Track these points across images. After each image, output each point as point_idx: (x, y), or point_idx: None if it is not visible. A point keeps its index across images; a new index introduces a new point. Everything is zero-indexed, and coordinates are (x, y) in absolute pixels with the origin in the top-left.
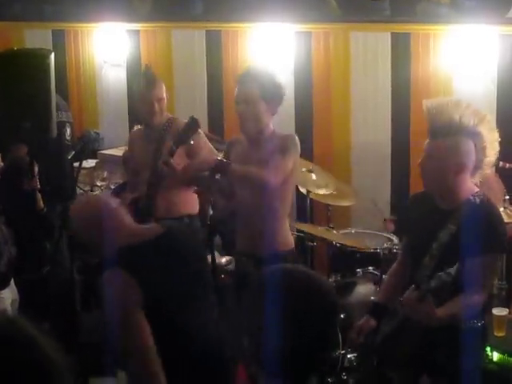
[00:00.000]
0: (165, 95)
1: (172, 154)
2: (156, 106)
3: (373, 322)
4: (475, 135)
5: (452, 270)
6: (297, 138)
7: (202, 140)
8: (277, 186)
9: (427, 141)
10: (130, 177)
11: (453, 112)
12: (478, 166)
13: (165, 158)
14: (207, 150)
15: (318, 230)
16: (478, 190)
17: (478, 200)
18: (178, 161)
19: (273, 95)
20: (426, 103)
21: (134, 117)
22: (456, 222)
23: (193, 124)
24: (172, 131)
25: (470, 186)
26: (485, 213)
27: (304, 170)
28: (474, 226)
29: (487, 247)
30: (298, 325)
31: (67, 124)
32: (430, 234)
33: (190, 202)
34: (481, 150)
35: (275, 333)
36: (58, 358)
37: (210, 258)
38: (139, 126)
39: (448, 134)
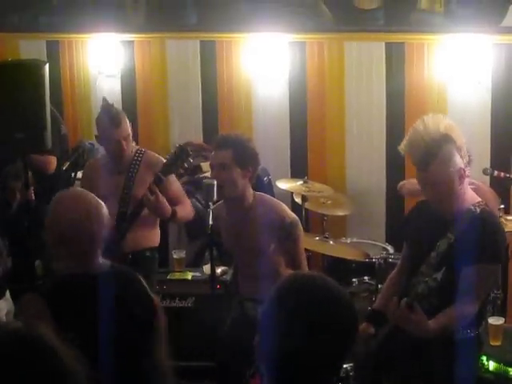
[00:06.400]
0: (130, 130)
1: (159, 183)
2: (123, 143)
3: (371, 329)
4: (449, 140)
5: (438, 276)
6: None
7: (171, 178)
8: None
9: (417, 172)
10: None
11: (423, 138)
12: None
13: (151, 186)
14: (176, 186)
15: (313, 242)
16: (480, 200)
17: (478, 210)
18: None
19: (248, 161)
20: (400, 148)
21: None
22: (455, 232)
23: (181, 153)
24: (144, 162)
25: (472, 195)
26: (484, 223)
27: (300, 182)
28: (473, 236)
29: (484, 257)
30: (315, 334)
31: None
32: (430, 243)
33: (153, 236)
34: (459, 152)
35: (290, 340)
36: (75, 365)
37: (209, 267)
38: None
39: (432, 158)
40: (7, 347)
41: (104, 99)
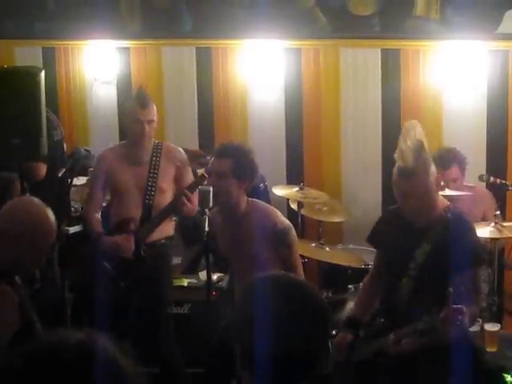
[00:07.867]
0: (155, 118)
1: (193, 191)
2: (146, 126)
3: (349, 337)
4: (425, 148)
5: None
6: (292, 229)
7: (187, 169)
8: None
9: (399, 180)
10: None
11: (410, 147)
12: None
13: (186, 193)
14: (190, 177)
15: (309, 248)
16: (448, 203)
17: (449, 214)
18: (167, 185)
19: (245, 173)
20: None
21: (124, 134)
22: (430, 241)
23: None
24: (164, 153)
25: (442, 200)
26: (456, 228)
27: (296, 188)
28: (448, 243)
29: (465, 263)
30: (285, 328)
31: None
32: (406, 252)
33: (169, 227)
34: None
35: (264, 337)
36: (136, 378)
37: (205, 273)
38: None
39: (417, 167)
40: (70, 358)
41: (140, 88)
